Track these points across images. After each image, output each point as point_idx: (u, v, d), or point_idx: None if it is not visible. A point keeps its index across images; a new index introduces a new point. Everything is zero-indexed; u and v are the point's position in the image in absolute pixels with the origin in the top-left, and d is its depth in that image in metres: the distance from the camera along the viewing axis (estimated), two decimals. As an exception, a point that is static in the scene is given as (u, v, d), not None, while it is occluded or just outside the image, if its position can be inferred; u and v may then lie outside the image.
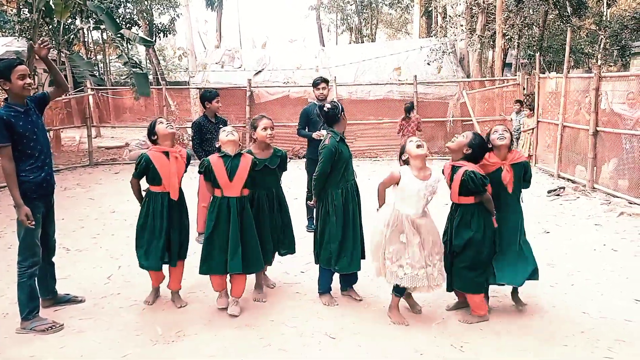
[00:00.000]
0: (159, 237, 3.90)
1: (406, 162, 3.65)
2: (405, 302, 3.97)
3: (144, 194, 4.04)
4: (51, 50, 4.33)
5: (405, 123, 9.67)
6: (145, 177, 3.96)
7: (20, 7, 14.40)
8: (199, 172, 3.92)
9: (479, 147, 3.66)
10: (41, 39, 3.76)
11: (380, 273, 3.76)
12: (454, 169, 3.68)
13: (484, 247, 3.67)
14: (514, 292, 3.99)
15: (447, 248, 3.80)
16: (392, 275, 3.64)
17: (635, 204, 6.97)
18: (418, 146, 3.60)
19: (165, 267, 4.07)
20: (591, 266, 4.91)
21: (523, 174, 3.81)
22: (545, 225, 6.30)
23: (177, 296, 4.14)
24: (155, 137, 3.92)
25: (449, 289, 3.91)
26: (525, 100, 11.00)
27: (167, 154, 3.90)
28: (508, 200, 3.77)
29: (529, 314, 3.89)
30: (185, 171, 4.04)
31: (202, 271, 3.89)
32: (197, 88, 12.98)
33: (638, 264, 4.89)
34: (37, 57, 3.85)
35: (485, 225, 3.66)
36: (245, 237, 3.83)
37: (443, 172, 3.85)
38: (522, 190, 3.87)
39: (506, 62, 17.07)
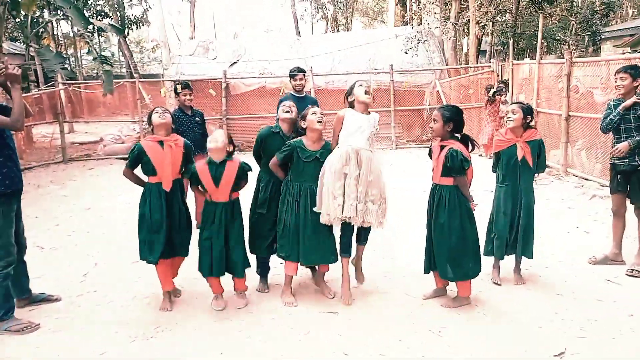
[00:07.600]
0: (158, 230, 3.79)
1: (351, 105, 3.83)
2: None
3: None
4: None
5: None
6: (140, 167, 3.87)
7: (-15, 0, 13.95)
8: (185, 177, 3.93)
9: (455, 116, 3.67)
10: None
11: (328, 220, 3.71)
12: (442, 149, 3.68)
13: (465, 232, 3.67)
14: (518, 267, 4.31)
15: (429, 230, 3.84)
16: (330, 210, 3.63)
17: (606, 186, 7.12)
18: (366, 92, 3.74)
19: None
20: (565, 248, 5.03)
21: (538, 154, 4.10)
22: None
23: (174, 294, 4.06)
24: (152, 126, 3.88)
25: (426, 271, 3.93)
26: (499, 87, 10.86)
27: (161, 143, 3.81)
28: (522, 180, 4.11)
29: (504, 298, 3.97)
30: (188, 161, 3.93)
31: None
32: (172, 80, 12.78)
33: (609, 246, 5.01)
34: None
35: (461, 209, 3.67)
36: (230, 242, 3.81)
37: (430, 155, 3.87)
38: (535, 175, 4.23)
39: (480, 49, 17.23)
